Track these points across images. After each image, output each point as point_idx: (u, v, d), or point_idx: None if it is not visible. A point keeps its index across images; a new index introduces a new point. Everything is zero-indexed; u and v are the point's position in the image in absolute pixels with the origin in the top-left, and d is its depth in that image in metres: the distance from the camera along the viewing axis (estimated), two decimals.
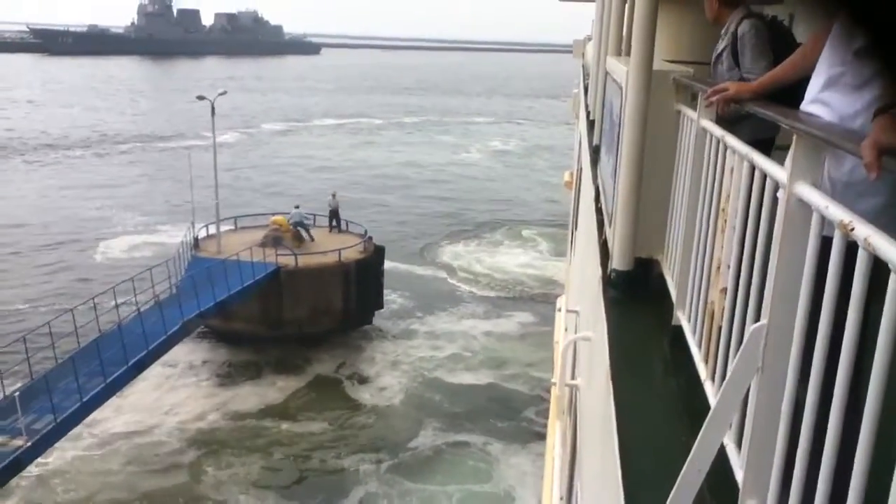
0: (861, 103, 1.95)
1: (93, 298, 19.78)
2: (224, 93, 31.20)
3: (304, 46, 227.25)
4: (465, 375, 24.56)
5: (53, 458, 18.33)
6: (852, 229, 1.43)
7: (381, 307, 28.24)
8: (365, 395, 23.19)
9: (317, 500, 18.30)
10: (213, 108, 28.35)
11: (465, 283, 32.65)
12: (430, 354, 25.93)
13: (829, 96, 2.05)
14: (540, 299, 30.22)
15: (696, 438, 2.10)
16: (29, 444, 14.88)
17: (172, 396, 22.35)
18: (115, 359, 17.78)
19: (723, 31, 4.74)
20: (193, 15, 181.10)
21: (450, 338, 27.19)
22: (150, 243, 35.48)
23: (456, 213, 43.67)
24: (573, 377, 5.85)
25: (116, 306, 20.05)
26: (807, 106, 2.11)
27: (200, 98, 29.11)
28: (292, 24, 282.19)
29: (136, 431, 20.28)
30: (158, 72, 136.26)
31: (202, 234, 27.57)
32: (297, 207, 28.93)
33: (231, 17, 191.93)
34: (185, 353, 24.13)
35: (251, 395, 22.74)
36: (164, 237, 35.85)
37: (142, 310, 20.37)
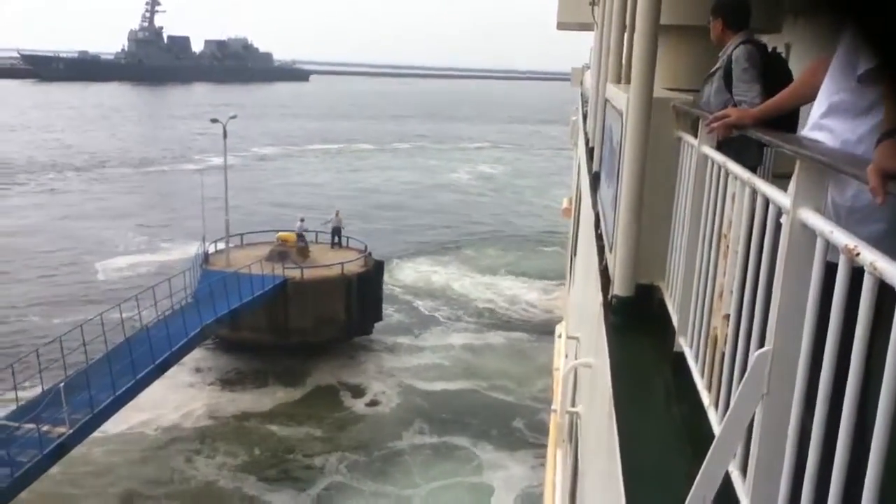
0: (864, 129, 1.96)
1: (119, 305, 21.19)
2: (234, 116, 32.77)
3: (293, 73, 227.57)
4: (454, 385, 25.71)
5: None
6: (858, 254, 1.43)
7: (381, 319, 29.70)
8: (359, 403, 24.49)
9: (293, 489, 19.74)
10: (224, 131, 30.13)
11: (454, 300, 33.75)
12: (421, 363, 27.31)
13: (831, 122, 2.06)
14: (517, 319, 31.62)
15: (700, 466, 2.08)
16: (71, 431, 16.61)
17: (180, 395, 23.74)
18: (143, 359, 19.52)
19: (721, 53, 4.81)
20: (184, 42, 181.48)
21: (440, 350, 28.49)
22: (151, 261, 36.72)
23: (446, 232, 45.22)
24: (574, 404, 5.81)
25: (139, 313, 21.69)
26: (808, 132, 2.13)
27: (214, 121, 31.04)
28: (282, 51, 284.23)
29: (146, 423, 21.85)
30: (149, 98, 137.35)
31: (211, 249, 29.23)
32: (302, 220, 30.85)
33: (221, 45, 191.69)
34: (197, 360, 25.62)
35: (254, 399, 23.95)
36: (163, 255, 37.35)
37: (165, 315, 22.14)
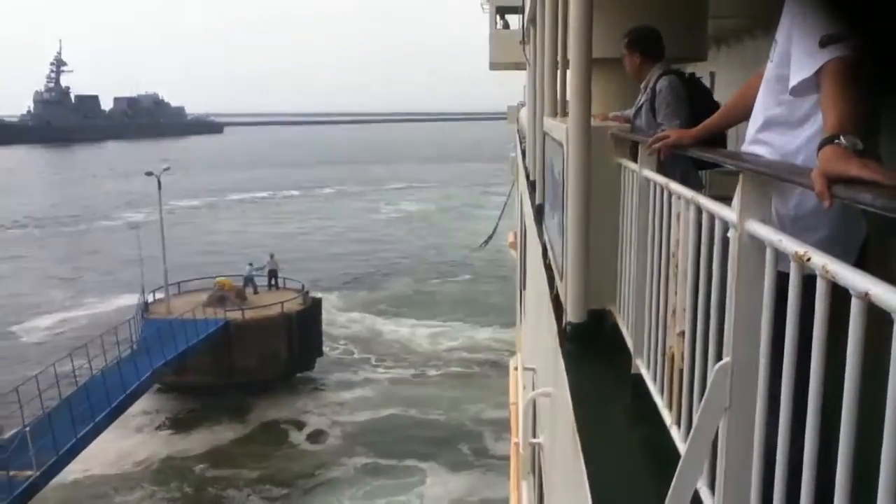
0: (801, 139, 2.03)
1: (70, 354, 21.75)
2: (168, 168, 34.09)
3: (206, 126, 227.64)
4: (391, 413, 27.20)
5: None
6: (808, 259, 1.46)
7: (322, 354, 31.10)
8: (303, 436, 25.74)
9: None
10: (159, 183, 31.20)
11: (388, 334, 35.31)
12: (361, 395, 28.72)
13: (768, 136, 2.13)
14: (449, 350, 33.23)
15: (668, 485, 2.08)
16: (38, 472, 17.57)
17: (129, 441, 24.60)
18: (100, 403, 20.73)
19: (642, 86, 4.95)
20: (92, 101, 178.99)
21: (377, 383, 30.01)
22: (79, 316, 37.34)
23: (373, 268, 47.53)
24: (535, 435, 5.79)
25: (89, 361, 22.30)
26: (747, 147, 2.19)
27: (148, 174, 32.24)
28: (194, 105, 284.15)
29: (89, 473, 22.32)
30: (59, 159, 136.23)
31: (150, 298, 30.29)
32: (250, 265, 32.37)
33: (131, 101, 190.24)
34: (145, 405, 26.25)
35: (201, 438, 25.03)
36: (90, 310, 38.16)
37: (117, 360, 23.25)
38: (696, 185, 4.23)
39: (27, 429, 17.91)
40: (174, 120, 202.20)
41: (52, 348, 31.13)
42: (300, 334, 29.30)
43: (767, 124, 2.15)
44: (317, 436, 25.54)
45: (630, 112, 5.06)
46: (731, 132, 3.33)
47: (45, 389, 19.89)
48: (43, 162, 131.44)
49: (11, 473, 17.07)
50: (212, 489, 22.20)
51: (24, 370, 27.43)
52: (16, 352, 32.81)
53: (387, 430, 25.71)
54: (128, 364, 23.41)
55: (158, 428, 25.95)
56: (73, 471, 20.42)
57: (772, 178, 1.78)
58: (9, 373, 28.72)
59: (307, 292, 31.26)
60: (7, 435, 18.61)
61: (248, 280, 31.06)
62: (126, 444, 24.09)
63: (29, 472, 17.40)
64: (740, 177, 1.89)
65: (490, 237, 31.33)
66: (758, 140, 2.16)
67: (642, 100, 4.90)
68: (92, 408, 20.29)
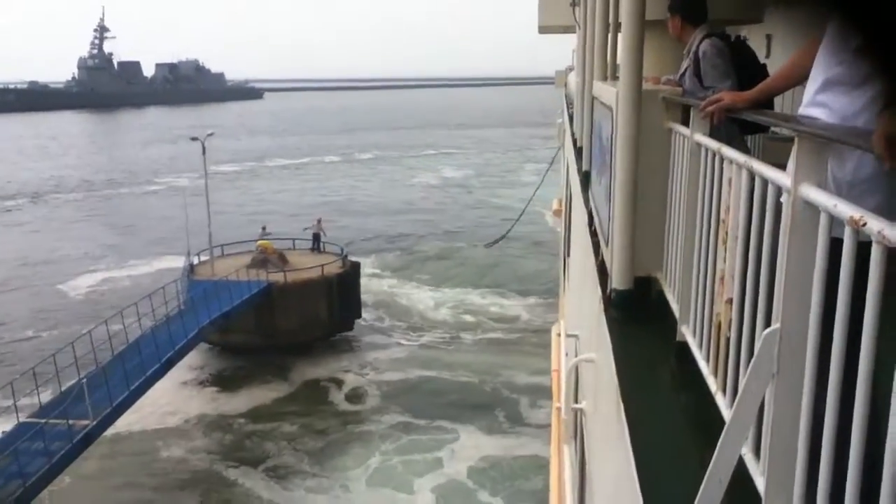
0: (862, 101, 1.97)
1: (120, 312, 22.86)
2: (212, 134, 34.99)
3: (246, 92, 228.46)
4: (427, 375, 27.51)
5: None
6: (864, 224, 1.44)
7: (360, 316, 31.72)
8: (343, 395, 26.27)
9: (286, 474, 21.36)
10: (203, 148, 31.78)
11: (429, 299, 35.56)
12: (399, 357, 29.13)
13: (827, 98, 2.06)
14: (488, 316, 33.33)
15: (711, 450, 2.08)
16: (94, 422, 18.49)
17: (176, 395, 25.41)
18: (151, 358, 21.63)
19: (685, 51, 4.82)
20: (134, 67, 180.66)
21: (415, 345, 30.43)
22: (123, 277, 38.83)
23: (413, 234, 47.70)
24: (577, 401, 5.81)
25: (139, 319, 23.33)
26: (805, 109, 2.13)
27: (193, 139, 33.09)
28: (233, 71, 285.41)
29: (138, 425, 23.25)
30: (104, 124, 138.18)
31: (195, 261, 31.02)
32: (263, 228, 33.38)
33: (172, 68, 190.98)
34: (190, 362, 26.65)
35: (246, 396, 25.56)
36: (132, 271, 39.64)
37: (167, 317, 24.30)
38: (742, 151, 4.15)
39: (84, 381, 18.77)
40: (214, 86, 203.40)
41: (98, 306, 32.60)
42: (340, 297, 29.91)
43: (827, 85, 2.07)
44: (355, 395, 26.10)
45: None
46: (777, 100, 3.24)
47: (99, 346, 20.94)
48: (88, 127, 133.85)
49: (70, 422, 17.99)
50: (249, 442, 22.92)
51: (74, 325, 29.34)
52: (64, 308, 34.16)
53: (422, 392, 26.11)
54: (176, 322, 24.34)
55: (203, 384, 26.75)
56: (124, 423, 21.26)
57: (829, 140, 1.74)
58: (61, 327, 30.69)
59: (346, 256, 31.88)
60: (64, 387, 19.41)
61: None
62: (172, 399, 24.96)
63: (86, 422, 18.30)
64: (795, 140, 1.85)
65: (502, 237, 31.75)
66: (816, 102, 2.10)
67: (685, 65, 4.79)
68: (143, 363, 21.20)
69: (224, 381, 26.81)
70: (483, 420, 23.90)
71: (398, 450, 22.33)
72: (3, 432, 17.82)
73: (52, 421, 17.78)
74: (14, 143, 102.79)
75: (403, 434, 23.21)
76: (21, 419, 18.39)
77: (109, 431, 20.36)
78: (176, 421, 24.02)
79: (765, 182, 2.15)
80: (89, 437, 18.48)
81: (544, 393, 23.63)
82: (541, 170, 35.11)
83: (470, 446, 22.36)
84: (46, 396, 19.69)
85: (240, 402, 25.29)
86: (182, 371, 25.91)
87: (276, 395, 25.84)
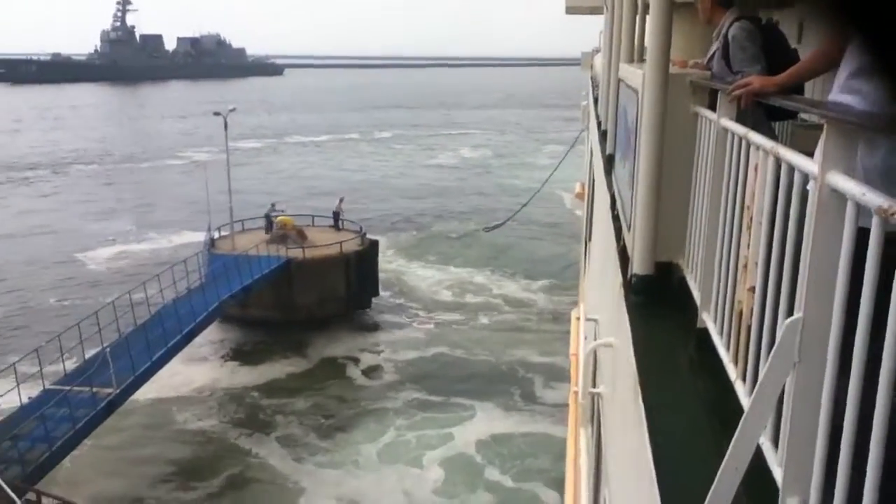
0: None
1: (143, 283, 23.18)
2: (234, 109, 35.10)
3: (267, 68, 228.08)
4: (444, 352, 27.59)
5: None
6: (893, 213, 1.41)
7: (378, 294, 31.78)
8: (360, 371, 26.19)
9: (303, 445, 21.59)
10: (225, 123, 31.96)
11: (445, 279, 35.51)
12: (416, 336, 29.14)
13: (860, 84, 2.01)
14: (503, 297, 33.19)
15: (729, 440, 2.06)
16: (118, 390, 18.79)
17: (192, 370, 25.46)
18: (172, 330, 21.95)
19: (715, 34, 4.73)
20: (157, 40, 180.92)
21: (434, 323, 30.41)
22: (142, 250, 39.17)
23: (433, 214, 47.81)
24: (595, 385, 5.80)
25: (161, 290, 23.85)
26: (836, 95, 2.08)
27: (216, 114, 33.40)
28: (255, 46, 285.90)
29: (158, 394, 23.27)
30: (126, 97, 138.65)
31: (215, 235, 31.08)
32: (272, 205, 33.25)
33: (194, 42, 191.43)
34: (210, 336, 26.93)
35: (264, 370, 25.72)
36: (152, 244, 40.04)
37: (189, 290, 24.71)
38: (769, 137, 4.08)
39: (108, 350, 19.08)
40: (235, 61, 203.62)
41: (118, 276, 33.21)
42: (357, 274, 30.05)
43: (861, 71, 2.03)
44: (371, 371, 26.19)
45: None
46: (807, 86, 3.17)
47: (121, 316, 21.23)
48: (110, 100, 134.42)
49: (94, 389, 18.31)
50: (263, 415, 23.10)
51: (96, 295, 29.84)
52: (85, 278, 34.65)
53: (438, 370, 26.19)
54: (197, 294, 24.67)
55: (222, 357, 27.01)
56: (142, 392, 21.52)
57: (860, 127, 1.70)
58: (83, 296, 31.26)
59: (365, 234, 32.04)
60: (88, 355, 19.77)
61: (268, 218, 31.88)
62: (191, 371, 25.21)
63: (109, 390, 18.62)
64: (824, 127, 1.81)
65: (503, 223, 31.55)
66: (849, 87, 2.05)
67: (714, 48, 4.71)
68: (165, 333, 21.49)
69: (243, 355, 27.06)
70: (500, 398, 23.95)
71: (412, 426, 22.47)
72: (29, 398, 18.13)
73: (76, 388, 18.12)
74: (37, 113, 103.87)
75: (419, 411, 23.31)
76: (46, 386, 18.72)
77: (133, 398, 20.71)
78: (193, 392, 24.31)
79: (791, 169, 2.12)
80: (112, 405, 18.81)
81: (558, 374, 23.71)
82: (561, 152, 34.90)
83: (484, 423, 22.48)
84: (71, 364, 20.03)
85: (258, 375, 25.50)
86: (202, 344, 26.21)
87: (294, 369, 26.01)
